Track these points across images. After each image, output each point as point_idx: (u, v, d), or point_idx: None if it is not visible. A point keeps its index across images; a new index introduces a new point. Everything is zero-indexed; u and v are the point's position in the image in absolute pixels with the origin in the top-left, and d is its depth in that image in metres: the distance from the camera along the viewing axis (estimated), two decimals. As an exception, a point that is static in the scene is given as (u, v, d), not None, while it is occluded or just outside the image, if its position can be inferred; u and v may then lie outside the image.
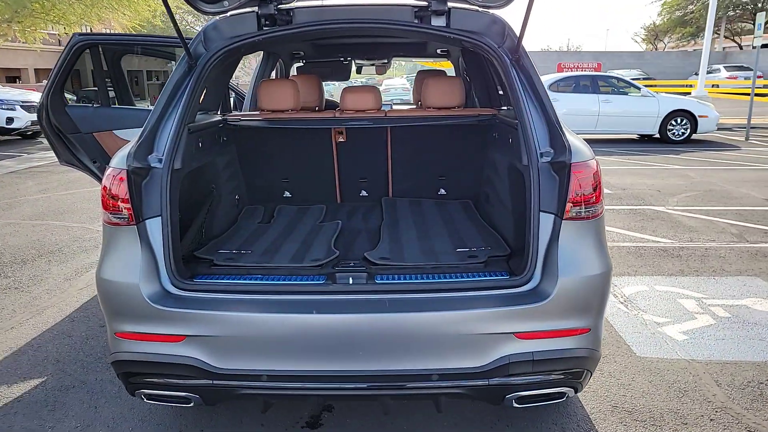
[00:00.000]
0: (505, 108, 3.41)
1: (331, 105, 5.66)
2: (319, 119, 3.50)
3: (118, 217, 2.35)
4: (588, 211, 2.28)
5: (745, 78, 26.05)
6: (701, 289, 4.67)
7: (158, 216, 2.35)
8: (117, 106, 4.94)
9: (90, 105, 5.01)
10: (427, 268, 2.54)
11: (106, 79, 4.88)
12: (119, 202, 2.34)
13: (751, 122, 14.48)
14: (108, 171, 2.39)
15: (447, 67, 6.03)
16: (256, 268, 2.60)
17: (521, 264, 2.38)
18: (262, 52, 4.57)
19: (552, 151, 2.34)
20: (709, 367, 3.45)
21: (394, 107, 5.91)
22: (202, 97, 2.78)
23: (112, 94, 5.04)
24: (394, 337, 2.20)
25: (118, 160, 2.37)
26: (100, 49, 4.50)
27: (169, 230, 2.35)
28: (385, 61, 5.43)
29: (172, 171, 2.43)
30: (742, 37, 37.55)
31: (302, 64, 5.57)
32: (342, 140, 3.76)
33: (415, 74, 4.92)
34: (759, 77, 25.26)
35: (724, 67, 28.44)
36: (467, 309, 2.21)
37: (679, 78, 27.31)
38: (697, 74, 26.77)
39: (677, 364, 3.50)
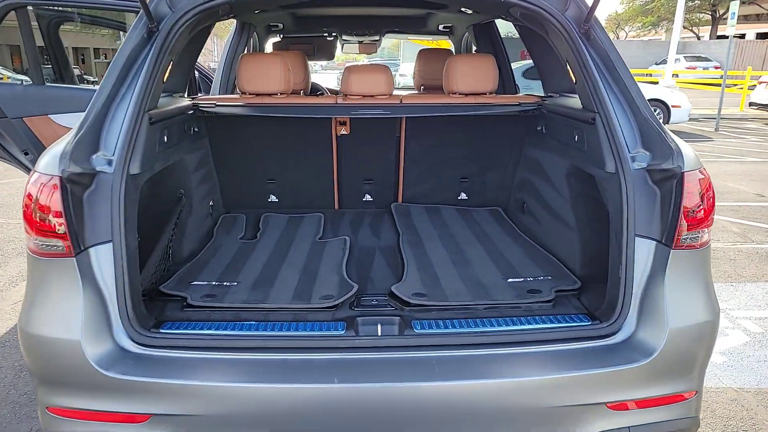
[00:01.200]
0: (551, 95, 2.83)
1: (314, 89, 4.93)
2: (319, 106, 2.83)
3: (50, 246, 1.65)
4: (697, 237, 1.73)
5: (704, 68, 26.50)
6: (722, 298, 4.26)
7: (108, 242, 1.67)
8: (54, 84, 4.10)
9: (18, 83, 4.14)
10: (480, 309, 1.95)
11: (45, 55, 4.04)
12: (50, 221, 1.64)
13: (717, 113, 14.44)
14: (33, 177, 1.68)
15: (446, 47, 5.38)
16: (248, 311, 1.95)
17: (604, 304, 1.82)
18: (235, 22, 3.82)
19: (647, 154, 1.77)
20: (761, 397, 3.02)
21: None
22: (167, 73, 2.08)
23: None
24: (445, 414, 1.60)
25: (48, 162, 1.66)
26: (30, 11, 3.64)
27: (125, 262, 1.68)
28: (377, 37, 4.74)
29: (128, 177, 1.75)
30: (700, 27, 38.28)
31: (279, 39, 4.81)
32: (345, 133, 3.09)
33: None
34: (717, 68, 25.83)
35: (684, 57, 28.84)
36: (544, 373, 1.63)
37: (639, 67, 27.52)
38: (657, 64, 27.02)
39: (724, 394, 3.05)
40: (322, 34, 4.66)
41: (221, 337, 1.75)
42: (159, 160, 2.11)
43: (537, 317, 1.86)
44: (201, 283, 2.16)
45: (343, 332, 1.77)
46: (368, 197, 3.30)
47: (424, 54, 3.82)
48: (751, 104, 16.35)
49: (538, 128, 2.79)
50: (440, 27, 4.40)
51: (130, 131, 1.79)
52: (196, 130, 2.72)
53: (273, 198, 3.23)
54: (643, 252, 1.72)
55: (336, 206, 3.28)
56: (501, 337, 1.74)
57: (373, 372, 1.63)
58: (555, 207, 2.52)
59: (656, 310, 1.70)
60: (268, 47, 4.83)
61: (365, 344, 1.71)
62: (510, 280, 2.18)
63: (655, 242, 1.72)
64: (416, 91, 3.95)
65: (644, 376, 1.66)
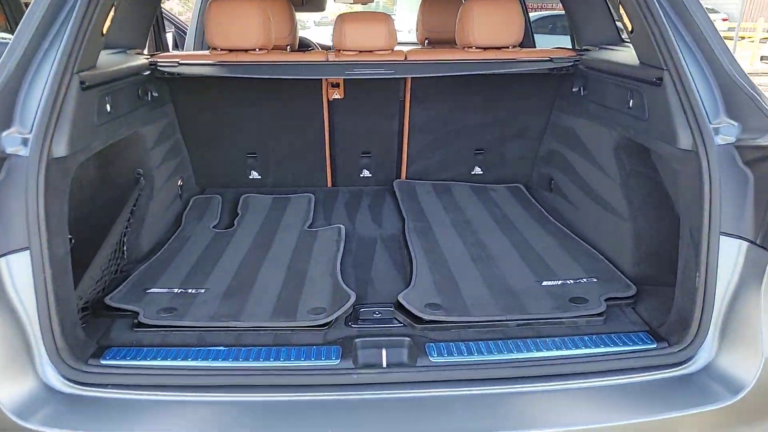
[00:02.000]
0: (587, 48, 2.36)
1: (303, 44, 4.38)
2: (306, 64, 2.35)
3: None
4: None
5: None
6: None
7: (23, 249, 1.26)
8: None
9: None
10: (511, 326, 1.55)
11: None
12: None
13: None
14: None
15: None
16: (216, 332, 1.55)
17: (672, 318, 1.44)
18: None
19: (735, 125, 1.36)
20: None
21: None
22: (108, 22, 1.62)
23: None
24: None
25: None
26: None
27: (48, 274, 1.28)
28: None
29: (51, 161, 1.33)
30: (707, -23, 37.00)
31: None
32: (338, 97, 2.63)
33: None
34: (724, 20, 24.93)
35: (690, 8, 27.85)
36: (602, 418, 1.25)
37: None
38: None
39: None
40: None
41: (179, 371, 1.36)
42: (100, 135, 1.67)
43: (586, 338, 1.47)
44: (159, 290, 1.75)
45: (337, 362, 1.38)
46: (366, 173, 2.85)
47: (429, 1, 3.30)
48: (762, 58, 15.70)
49: (574, 89, 2.33)
50: None
51: (53, 99, 1.35)
52: (155, 95, 2.25)
53: (255, 175, 2.79)
54: (731, 255, 1.32)
55: (329, 184, 2.84)
56: (543, 368, 1.34)
57: (377, 420, 1.25)
58: (596, 187, 2.09)
59: (747, 331, 1.31)
60: None
61: (366, 380, 1.32)
62: (545, 283, 1.77)
63: (746, 243, 1.32)
64: (420, 46, 3.44)
65: (730, 417, 1.29)
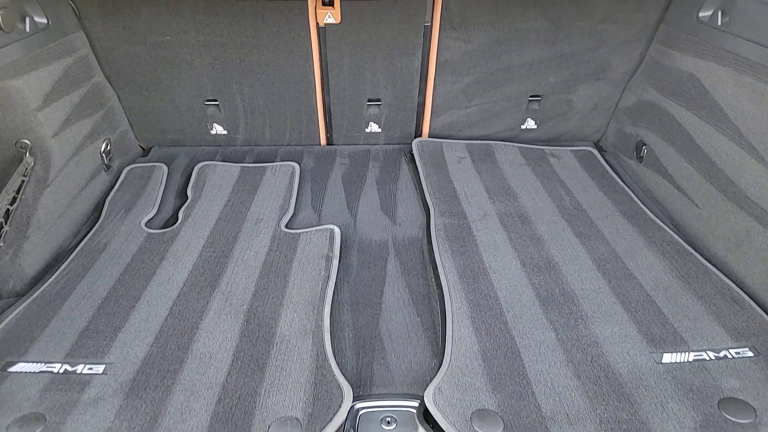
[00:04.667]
0: None
1: None
2: None
3: None
4: None
5: None
6: None
7: None
8: None
9: None
10: None
11: None
12: None
13: None
14: None
15: None
16: None
17: None
18: None
19: None
20: None
21: None
22: None
23: None
24: None
25: None
26: None
27: None
28: None
29: None
30: None
31: None
32: (332, 21, 1.81)
33: None
34: None
35: None
36: None
37: None
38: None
39: None
40: None
41: None
42: None
43: None
44: (30, 369, 1.07)
45: None
46: (374, 127, 2.07)
47: None
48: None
49: (703, 14, 1.52)
50: None
51: None
52: (42, 22, 1.47)
53: (218, 129, 2.01)
54: None
55: (322, 141, 2.08)
56: None
57: None
58: (740, 181, 1.31)
59: None
60: None
61: None
62: (667, 359, 1.06)
63: None
64: None
65: None
